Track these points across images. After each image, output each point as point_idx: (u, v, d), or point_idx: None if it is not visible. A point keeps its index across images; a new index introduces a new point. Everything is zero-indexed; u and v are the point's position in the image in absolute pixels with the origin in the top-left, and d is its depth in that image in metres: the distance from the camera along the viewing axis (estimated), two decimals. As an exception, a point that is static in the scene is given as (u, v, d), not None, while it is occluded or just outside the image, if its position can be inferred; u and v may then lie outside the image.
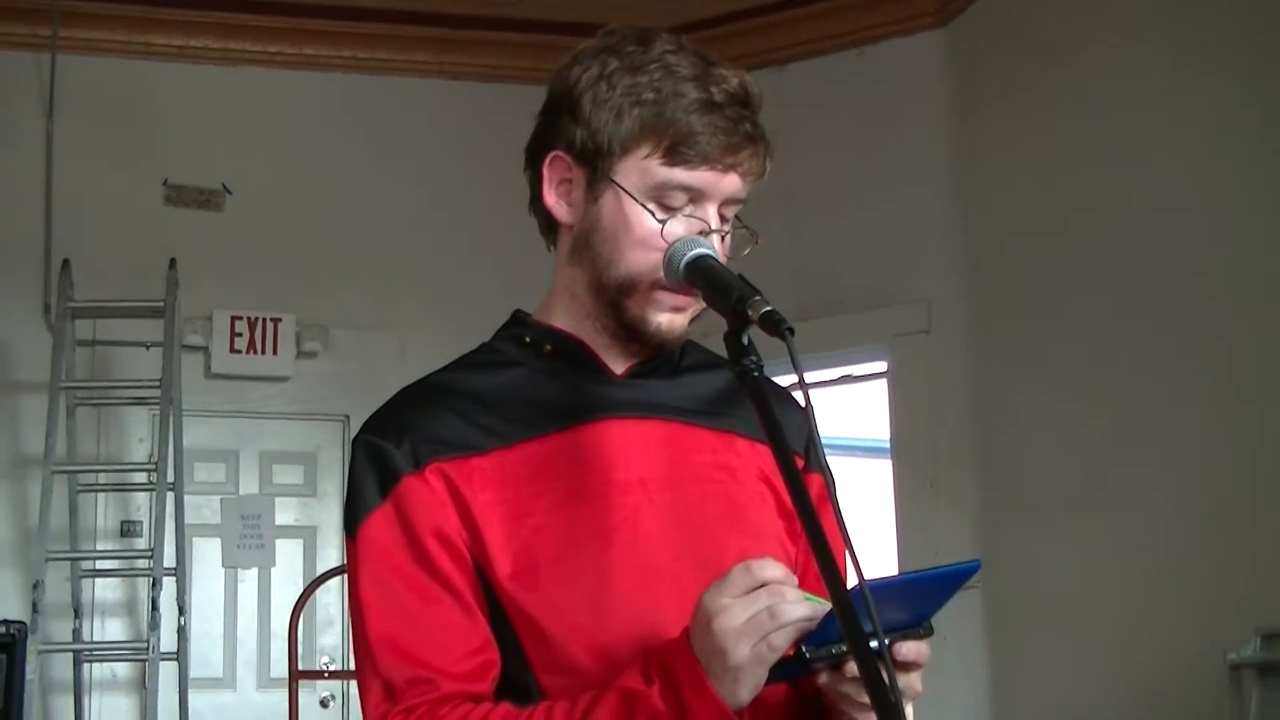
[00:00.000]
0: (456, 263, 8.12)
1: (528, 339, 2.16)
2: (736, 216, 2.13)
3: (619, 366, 2.14)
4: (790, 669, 1.81)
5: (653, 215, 2.03)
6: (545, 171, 2.12)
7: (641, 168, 2.04)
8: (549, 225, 2.17)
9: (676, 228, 2.03)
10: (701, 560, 2.01)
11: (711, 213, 2.06)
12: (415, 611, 1.99)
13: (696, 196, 2.05)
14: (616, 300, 2.08)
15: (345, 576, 6.69)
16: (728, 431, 2.15)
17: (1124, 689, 6.58)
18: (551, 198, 2.13)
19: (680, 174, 2.03)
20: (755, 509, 2.13)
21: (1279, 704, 5.84)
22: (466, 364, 2.18)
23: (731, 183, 2.07)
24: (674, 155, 2.03)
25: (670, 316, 2.08)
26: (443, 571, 2.00)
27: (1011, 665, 7.14)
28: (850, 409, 9.00)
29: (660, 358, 2.15)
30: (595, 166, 2.07)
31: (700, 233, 2.04)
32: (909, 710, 1.83)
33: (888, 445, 7.93)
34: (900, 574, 1.83)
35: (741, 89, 2.09)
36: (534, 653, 1.99)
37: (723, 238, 2.09)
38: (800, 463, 2.19)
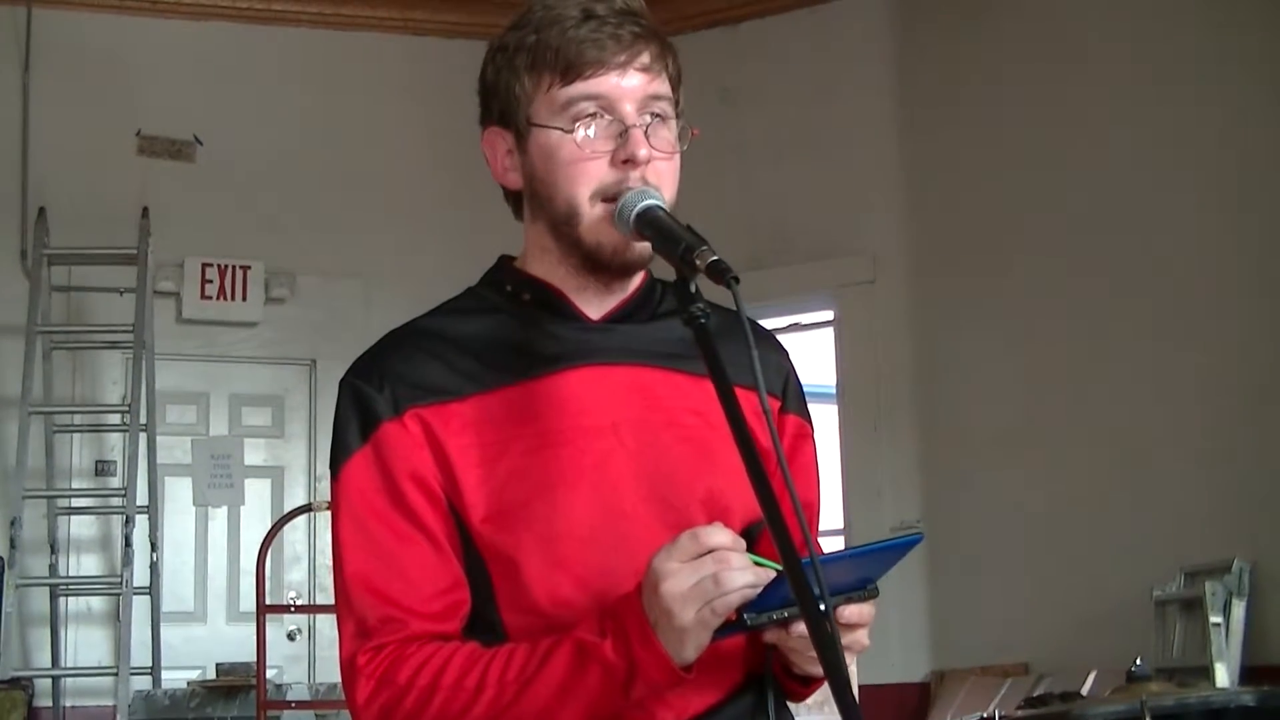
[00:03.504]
0: (419, 212, 8.21)
1: (509, 287, 2.18)
2: (677, 115, 2.13)
3: (595, 312, 2.15)
4: (734, 629, 1.86)
5: (566, 130, 2.06)
6: (487, 151, 2.17)
7: (548, 100, 2.07)
8: (517, 205, 2.21)
9: (590, 131, 2.06)
10: (669, 504, 2.05)
11: (628, 111, 2.06)
12: (389, 552, 2.02)
13: (606, 104, 2.06)
14: (570, 234, 2.08)
15: (312, 516, 6.82)
16: (701, 376, 2.04)
17: (1056, 622, 6.81)
18: (499, 170, 2.16)
19: (580, 87, 2.05)
20: (727, 452, 1.99)
21: (1200, 637, 6.05)
22: (450, 309, 2.20)
23: (635, 80, 2.07)
24: (569, 73, 2.05)
25: (625, 238, 2.07)
26: (418, 514, 2.03)
27: (949, 600, 7.30)
28: (798, 356, 9.09)
29: (636, 302, 2.17)
30: (517, 124, 2.11)
31: (619, 134, 2.05)
32: (853, 661, 1.97)
33: (834, 391, 8.04)
34: (848, 548, 1.89)
35: (623, 2, 2.10)
36: (501, 592, 2.03)
37: (647, 130, 2.07)
38: (777, 404, 2.21)
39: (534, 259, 2.18)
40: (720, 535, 1.85)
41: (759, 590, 1.82)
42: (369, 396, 2.07)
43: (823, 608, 1.74)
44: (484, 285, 2.23)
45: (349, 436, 2.08)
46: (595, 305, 2.16)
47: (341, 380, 2.13)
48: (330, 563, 2.15)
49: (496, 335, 2.13)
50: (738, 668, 2.07)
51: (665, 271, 2.17)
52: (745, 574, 1.82)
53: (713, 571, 1.82)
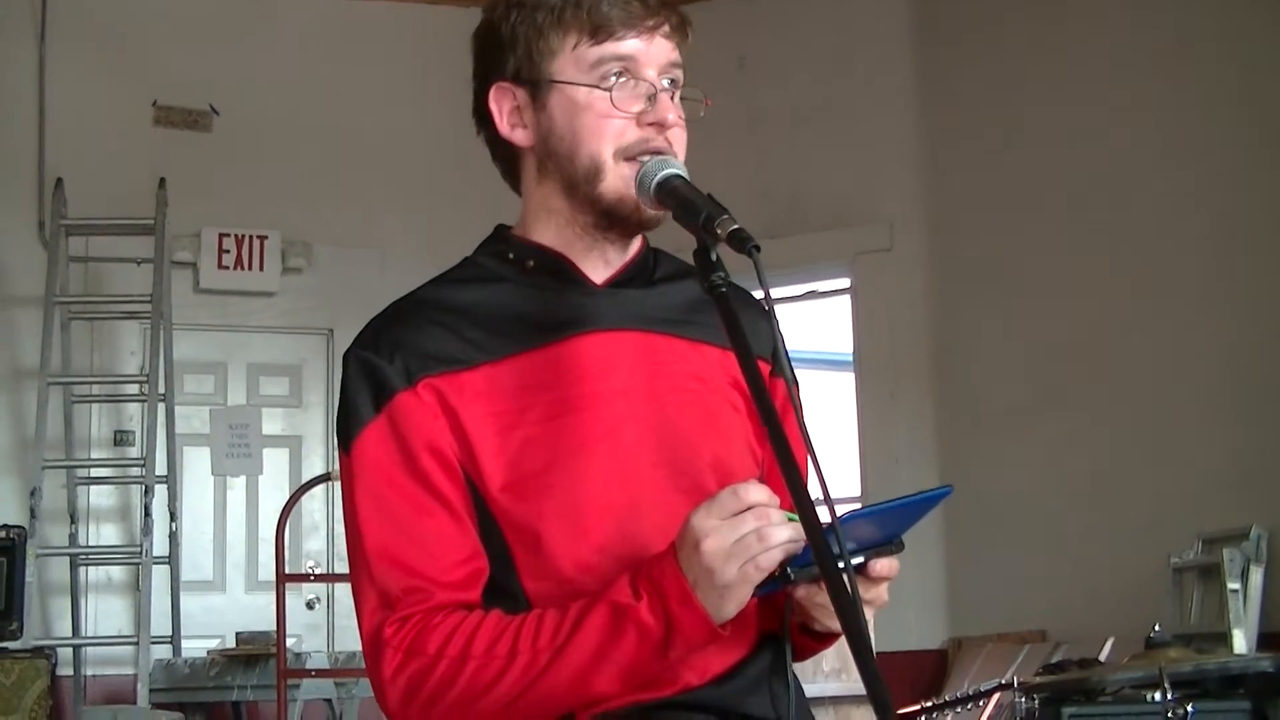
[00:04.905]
0: (434, 180, 8.19)
1: (510, 255, 2.18)
2: (682, 88, 2.16)
3: (599, 277, 2.16)
4: (771, 585, 1.87)
5: (598, 87, 2.07)
6: (493, 106, 2.16)
7: (574, 58, 2.08)
8: (511, 166, 2.22)
9: (624, 93, 2.08)
10: (679, 469, 2.08)
11: (653, 76, 2.09)
12: (409, 523, 2.02)
13: (633, 66, 2.08)
14: (589, 191, 2.09)
15: (330, 484, 6.78)
16: (699, 341, 2.16)
17: (1073, 589, 6.80)
18: (506, 127, 2.16)
19: (610, 47, 2.07)
20: (726, 416, 2.17)
21: (1217, 605, 6.05)
22: (452, 279, 2.20)
23: (661, 46, 2.10)
24: (599, 33, 2.07)
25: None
26: (435, 484, 2.03)
27: (966, 568, 7.31)
28: (815, 324, 9.08)
29: (636, 267, 2.20)
30: (535, 80, 2.11)
31: (648, 96, 2.08)
32: (872, 620, 1.97)
33: (851, 358, 8.07)
34: (879, 503, 1.88)
35: None
36: (522, 560, 2.04)
37: (672, 97, 2.11)
38: (765, 368, 2.18)
39: (539, 223, 2.19)
40: (759, 492, 1.86)
41: (801, 545, 1.84)
42: (379, 367, 2.06)
43: (840, 563, 1.74)
44: (483, 254, 2.23)
45: (361, 408, 2.06)
46: (599, 269, 2.17)
47: (346, 353, 2.12)
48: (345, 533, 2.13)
49: (502, 303, 2.14)
50: (753, 626, 2.10)
51: (663, 240, 2.20)
52: (786, 529, 1.83)
53: (755, 527, 1.83)
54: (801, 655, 2.18)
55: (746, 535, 1.83)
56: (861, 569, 1.91)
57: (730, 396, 2.18)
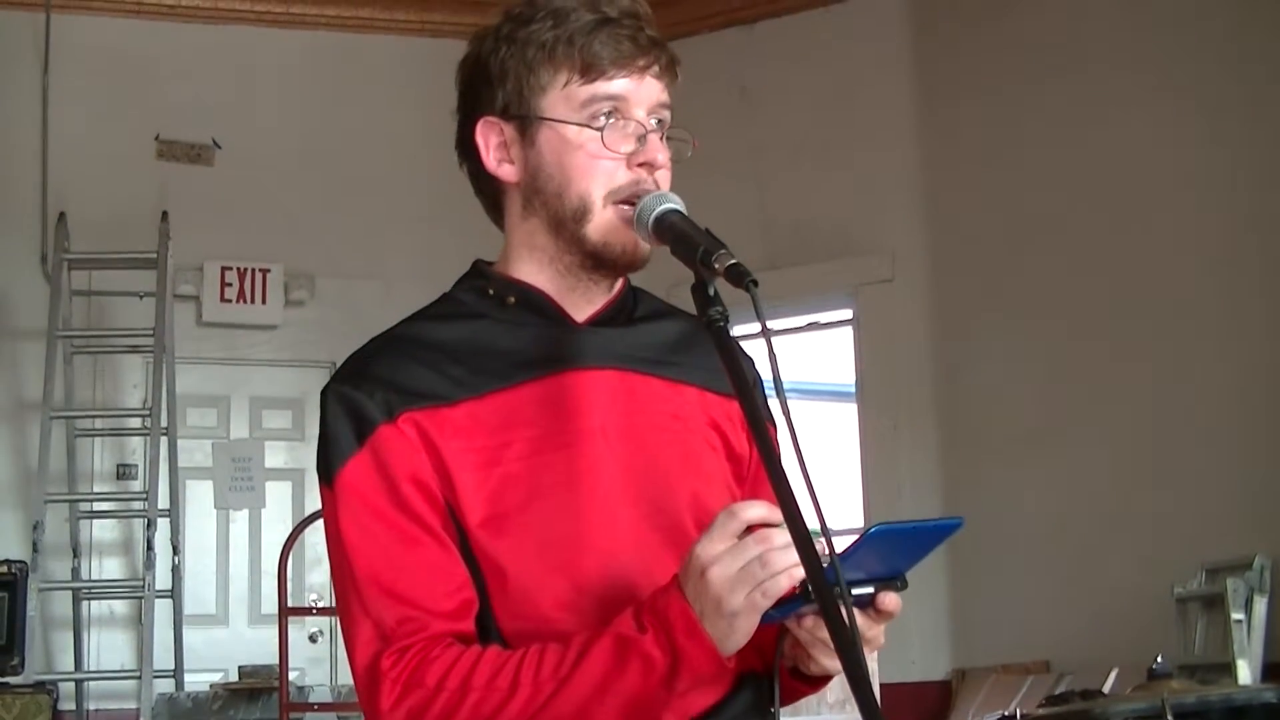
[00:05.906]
0: (437, 212, 7.87)
1: (491, 291, 2.17)
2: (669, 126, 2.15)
3: (579, 315, 2.15)
4: (778, 610, 1.85)
5: (589, 127, 2.07)
6: (479, 140, 2.15)
7: (565, 95, 2.08)
8: (495, 201, 2.21)
9: (614, 134, 2.08)
10: (657, 507, 2.07)
11: (642, 116, 2.09)
12: (398, 553, 2.00)
13: (623, 106, 2.08)
14: (576, 230, 2.09)
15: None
16: (677, 381, 2.16)
17: (1077, 620, 6.79)
18: (493, 162, 2.15)
19: (602, 86, 2.07)
20: (706, 456, 2.16)
21: (1221, 634, 6.04)
22: (431, 315, 2.19)
23: (651, 86, 2.10)
24: (590, 72, 2.07)
25: (634, 236, 2.09)
26: (420, 515, 2.01)
27: (970, 599, 7.28)
28: (817, 355, 9.06)
29: (616, 306, 2.19)
30: (524, 115, 2.10)
31: (638, 136, 2.08)
32: (872, 659, 1.97)
33: (853, 389, 8.04)
34: (896, 522, 1.84)
35: (631, 5, 2.12)
36: (497, 598, 2.02)
37: (661, 137, 2.11)
38: (735, 404, 2.17)
39: (520, 259, 2.18)
40: (757, 508, 1.85)
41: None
42: (359, 402, 2.06)
43: (839, 593, 1.72)
44: (461, 290, 2.22)
45: (342, 442, 2.06)
46: (580, 308, 2.16)
47: (325, 389, 2.11)
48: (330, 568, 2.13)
49: (482, 340, 2.13)
50: (732, 666, 2.05)
51: (656, 272, 2.19)
52: (791, 553, 1.79)
53: (758, 553, 1.81)
54: (790, 698, 2.14)
55: (750, 562, 1.81)
56: (869, 601, 1.88)
57: (708, 437, 2.18)
